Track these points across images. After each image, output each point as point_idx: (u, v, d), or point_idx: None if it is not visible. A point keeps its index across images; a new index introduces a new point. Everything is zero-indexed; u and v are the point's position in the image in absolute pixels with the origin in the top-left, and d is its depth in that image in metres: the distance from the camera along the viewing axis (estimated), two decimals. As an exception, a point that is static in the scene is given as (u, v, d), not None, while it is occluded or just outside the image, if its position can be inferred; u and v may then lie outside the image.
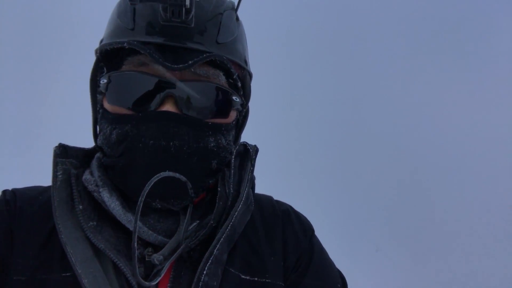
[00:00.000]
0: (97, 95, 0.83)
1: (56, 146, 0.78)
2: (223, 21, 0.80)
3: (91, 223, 0.72)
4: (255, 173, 0.95)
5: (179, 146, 0.72)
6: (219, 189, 0.79)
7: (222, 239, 0.73)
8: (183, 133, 0.73)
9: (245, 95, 0.90)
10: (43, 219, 0.77)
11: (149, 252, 0.74)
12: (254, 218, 0.89)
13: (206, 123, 0.77)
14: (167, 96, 0.73)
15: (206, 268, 0.70)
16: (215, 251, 0.71)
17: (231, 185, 0.79)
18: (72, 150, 0.82)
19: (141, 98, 0.74)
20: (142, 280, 0.66)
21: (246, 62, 0.89)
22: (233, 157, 0.80)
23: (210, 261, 0.70)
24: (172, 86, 0.73)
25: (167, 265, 0.71)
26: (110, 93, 0.77)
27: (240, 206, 0.78)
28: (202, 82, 0.76)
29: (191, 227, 0.77)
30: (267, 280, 0.80)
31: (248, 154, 0.85)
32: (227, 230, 0.74)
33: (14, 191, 0.83)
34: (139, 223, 0.72)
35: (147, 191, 0.67)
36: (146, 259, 0.74)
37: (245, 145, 0.84)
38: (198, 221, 0.79)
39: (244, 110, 0.92)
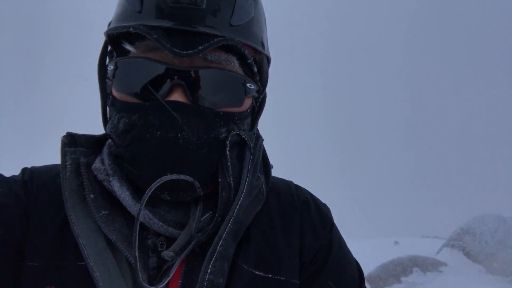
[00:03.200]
0: (106, 80, 0.79)
1: (63, 136, 0.76)
2: (238, 0, 0.74)
3: (103, 212, 0.71)
4: (273, 160, 0.90)
5: (187, 138, 0.69)
6: (219, 180, 0.75)
7: (224, 234, 0.70)
8: (192, 124, 0.69)
9: (262, 80, 0.84)
10: (58, 205, 0.75)
11: (162, 241, 0.73)
12: (270, 208, 0.85)
13: (217, 112, 0.73)
14: (176, 84, 0.69)
15: (210, 266, 0.67)
16: (218, 247, 0.69)
17: (231, 178, 0.74)
18: (81, 138, 0.79)
19: (148, 86, 0.70)
20: (146, 285, 0.65)
21: (263, 45, 0.82)
22: (227, 148, 0.74)
23: (214, 258, 0.68)
24: (181, 74, 0.69)
25: (177, 262, 0.69)
26: (117, 80, 0.74)
27: (241, 198, 0.73)
28: (213, 69, 0.72)
29: (203, 218, 0.75)
30: (281, 278, 0.76)
31: (246, 143, 0.80)
32: (229, 224, 0.71)
33: (32, 172, 0.82)
34: (149, 214, 0.71)
35: (147, 197, 0.66)
36: (159, 249, 0.72)
37: (239, 134, 0.77)
38: (211, 212, 0.76)
39: (261, 96, 0.87)
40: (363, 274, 0.91)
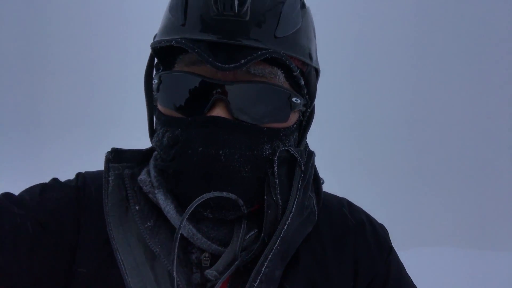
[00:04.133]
0: (154, 92, 0.80)
1: (108, 152, 0.76)
2: (284, 10, 0.71)
3: (148, 223, 0.71)
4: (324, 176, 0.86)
5: (229, 154, 0.67)
6: (265, 197, 0.72)
7: (270, 255, 0.67)
8: (234, 141, 0.67)
9: (310, 93, 0.80)
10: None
11: (206, 257, 0.72)
12: (321, 229, 0.80)
13: (260, 128, 0.70)
14: (217, 99, 0.68)
15: None
16: (263, 269, 0.66)
17: (278, 195, 0.71)
18: (127, 154, 0.79)
19: (191, 101, 0.70)
20: None
21: (311, 56, 0.77)
22: (275, 165, 0.71)
23: (258, 279, 0.65)
24: (223, 89, 0.67)
25: (220, 282, 0.67)
26: (161, 94, 0.74)
27: (290, 218, 0.70)
28: (256, 83, 0.69)
29: (248, 236, 0.72)
30: None
31: (296, 160, 0.76)
32: (276, 245, 0.67)
33: (85, 178, 0.84)
34: (192, 229, 0.70)
35: (187, 215, 0.65)
36: (203, 264, 0.71)
37: (287, 150, 0.74)
38: (256, 231, 0.73)
39: (309, 110, 0.82)
40: None
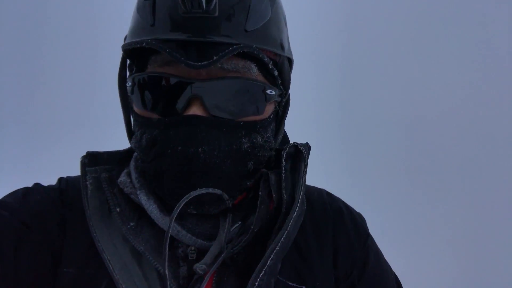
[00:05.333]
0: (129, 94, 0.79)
1: (83, 156, 0.76)
2: (253, 3, 0.70)
3: (130, 224, 0.72)
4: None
5: (208, 151, 0.67)
6: (260, 193, 0.74)
7: (277, 248, 0.68)
8: (212, 138, 0.67)
9: (284, 83, 0.81)
10: None
11: (192, 251, 0.73)
12: (303, 219, 0.82)
13: (237, 123, 0.71)
14: (192, 97, 0.67)
15: (258, 280, 0.65)
16: (268, 261, 0.67)
17: (283, 191, 0.74)
18: (103, 156, 0.79)
19: (166, 101, 0.69)
20: None
21: (282, 47, 0.78)
22: (283, 160, 0.75)
23: (263, 271, 0.66)
24: (197, 86, 0.67)
25: (209, 274, 0.68)
26: (135, 97, 0.73)
27: (295, 212, 0.72)
28: (230, 79, 0.69)
29: (232, 228, 0.74)
30: None
31: (300, 155, 0.79)
32: (283, 238, 0.69)
33: (68, 181, 0.84)
34: (177, 226, 0.71)
35: (176, 214, 0.65)
36: (189, 258, 0.73)
37: (296, 146, 0.79)
38: (240, 223, 0.75)
39: (284, 100, 0.83)
40: None
